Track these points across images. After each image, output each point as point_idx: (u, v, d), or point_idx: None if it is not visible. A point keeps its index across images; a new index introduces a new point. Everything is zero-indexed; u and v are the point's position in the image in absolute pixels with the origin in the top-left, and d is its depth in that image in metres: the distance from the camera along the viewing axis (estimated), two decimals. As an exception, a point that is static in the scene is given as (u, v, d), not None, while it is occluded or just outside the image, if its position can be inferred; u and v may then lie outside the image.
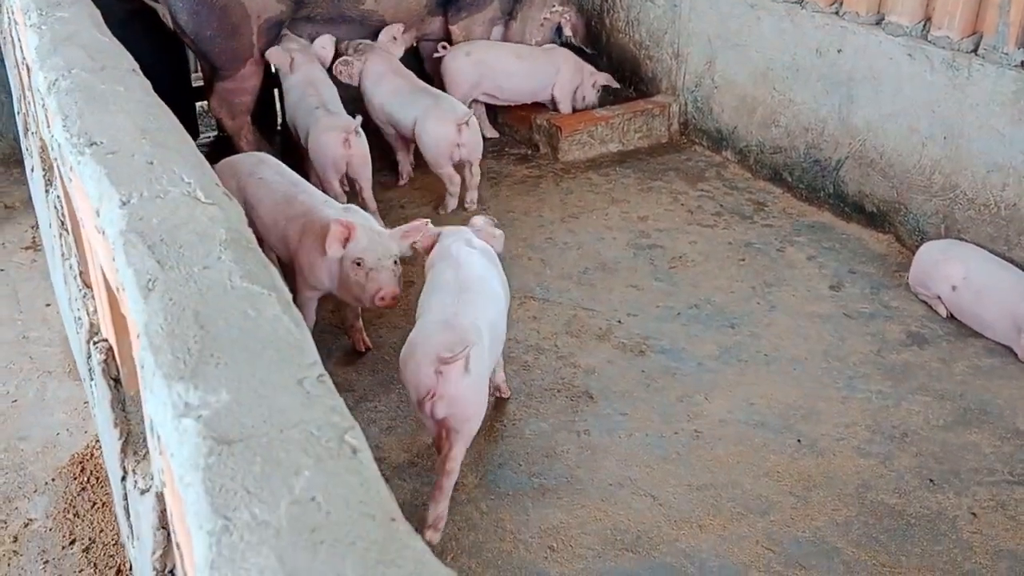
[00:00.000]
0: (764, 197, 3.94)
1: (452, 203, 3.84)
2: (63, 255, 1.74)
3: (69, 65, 1.32)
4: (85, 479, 2.57)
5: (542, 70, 4.40)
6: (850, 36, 3.54)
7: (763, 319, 3.08)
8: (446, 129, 3.72)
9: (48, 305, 3.38)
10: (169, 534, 1.05)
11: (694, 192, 4.01)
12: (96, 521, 2.43)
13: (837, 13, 3.60)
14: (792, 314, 3.11)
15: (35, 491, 2.54)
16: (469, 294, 2.31)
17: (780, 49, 3.85)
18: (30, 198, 4.14)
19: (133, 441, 1.31)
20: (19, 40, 1.91)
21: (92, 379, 1.54)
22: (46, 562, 2.31)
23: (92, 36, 1.48)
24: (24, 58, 1.90)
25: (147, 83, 1.33)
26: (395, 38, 4.22)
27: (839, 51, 3.59)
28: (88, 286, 1.53)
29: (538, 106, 4.50)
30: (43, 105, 1.29)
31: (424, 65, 4.57)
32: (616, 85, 4.52)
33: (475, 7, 4.42)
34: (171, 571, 1.06)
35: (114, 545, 2.36)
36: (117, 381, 1.31)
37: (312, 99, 3.78)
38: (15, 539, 2.38)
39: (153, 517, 1.04)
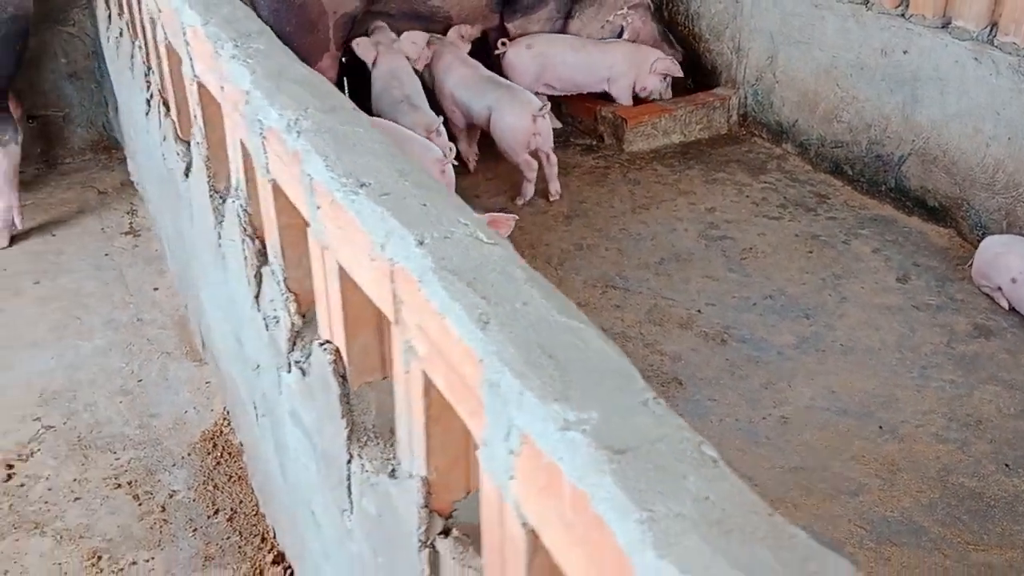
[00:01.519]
0: (826, 190, 4.11)
1: (529, 190, 4.02)
2: (245, 259, 1.93)
3: (301, 104, 1.50)
4: (218, 454, 2.79)
5: (598, 63, 4.55)
6: (916, 38, 3.69)
7: (836, 310, 3.27)
8: (523, 119, 3.90)
9: (156, 289, 3.59)
10: (431, 511, 1.26)
11: (757, 184, 4.18)
12: (235, 493, 2.66)
13: (903, 15, 3.75)
14: (863, 306, 3.29)
15: (173, 465, 2.76)
16: None
17: (844, 48, 4.00)
18: (122, 184, 4.35)
19: (357, 430, 1.52)
20: (190, 49, 2.07)
21: (293, 371, 1.74)
22: (194, 530, 2.54)
23: (300, 72, 1.66)
24: (194, 73, 2.08)
25: (366, 119, 1.51)
26: (463, 36, 4.38)
27: (904, 52, 3.74)
28: (292, 291, 1.73)
29: (603, 96, 4.66)
30: (286, 145, 1.47)
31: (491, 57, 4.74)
32: (680, 74, 4.64)
33: (529, 9, 4.56)
34: (432, 543, 1.27)
35: (255, 515, 2.58)
36: (343, 378, 1.51)
37: (396, 91, 3.96)
38: (163, 508, 2.60)
39: (418, 497, 1.25)
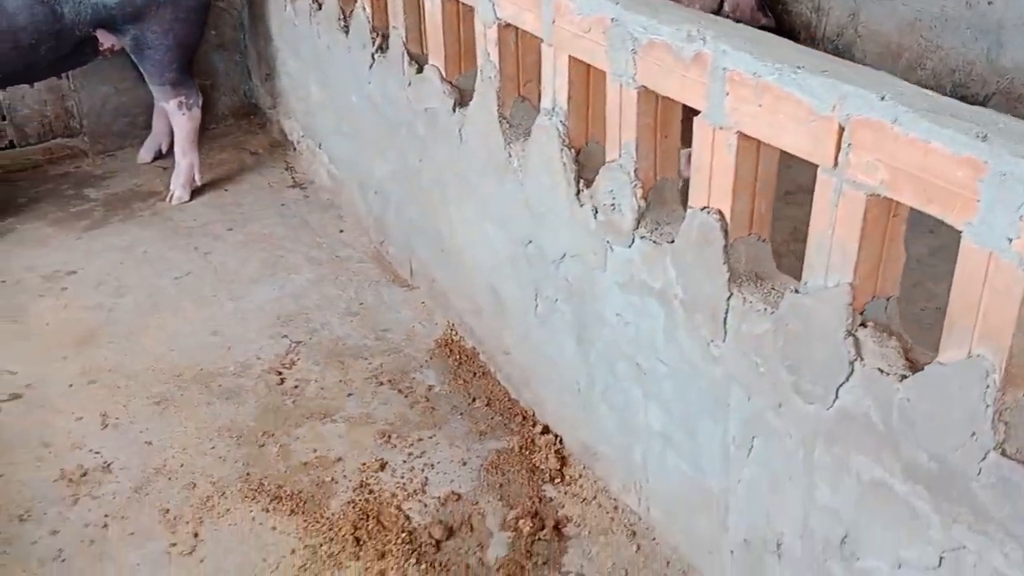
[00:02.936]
0: (912, 131, 4.60)
1: None
2: (564, 165, 2.37)
3: (685, 20, 1.95)
4: (456, 357, 3.23)
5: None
6: (1000, -11, 4.19)
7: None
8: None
9: (341, 231, 4.00)
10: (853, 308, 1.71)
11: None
12: (484, 386, 3.10)
13: (986, -30, 4.25)
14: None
15: (420, 367, 3.19)
16: None
17: (929, 2, 4.49)
18: (271, 145, 4.73)
19: (735, 274, 1.97)
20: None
21: (636, 245, 2.18)
22: (460, 414, 2.97)
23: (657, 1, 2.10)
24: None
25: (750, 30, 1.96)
26: None
27: (989, 3, 4.24)
28: (639, 179, 2.17)
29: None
30: (680, 53, 1.91)
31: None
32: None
33: None
34: (855, 333, 1.72)
35: (509, 401, 3.03)
36: (726, 233, 1.96)
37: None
38: (427, 399, 3.04)
39: (845, 298, 1.70)
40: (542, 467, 2.75)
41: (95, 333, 3.35)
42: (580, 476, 2.72)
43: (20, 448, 2.83)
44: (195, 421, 2.94)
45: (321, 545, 2.50)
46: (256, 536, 2.54)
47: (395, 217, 3.57)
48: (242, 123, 4.93)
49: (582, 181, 2.37)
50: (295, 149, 4.54)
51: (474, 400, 3.04)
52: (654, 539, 2.50)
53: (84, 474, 2.73)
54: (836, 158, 1.65)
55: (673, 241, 2.10)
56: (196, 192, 4.27)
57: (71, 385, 3.09)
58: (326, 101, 3.93)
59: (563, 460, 2.77)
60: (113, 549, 2.50)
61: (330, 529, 2.55)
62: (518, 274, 2.76)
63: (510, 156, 2.62)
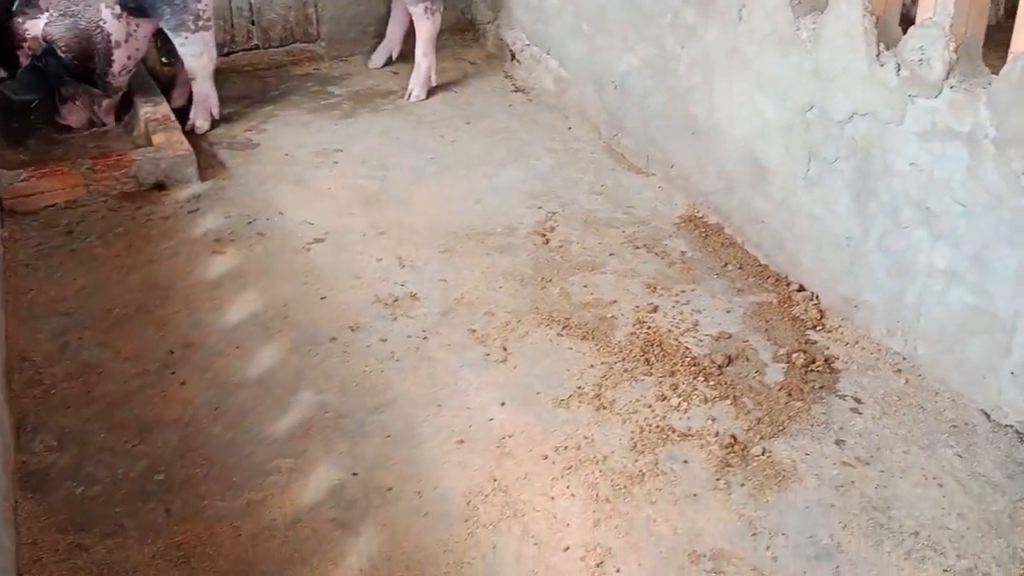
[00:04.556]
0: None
1: None
2: (865, 30, 2.63)
3: None
4: (701, 230, 3.53)
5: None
6: None
7: None
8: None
9: (570, 128, 4.34)
10: None
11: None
12: (733, 254, 3.39)
13: None
14: None
15: (670, 235, 3.51)
16: None
17: None
18: (487, 56, 5.10)
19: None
20: None
21: (943, 95, 2.44)
22: (716, 274, 3.27)
23: None
24: None
25: None
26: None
27: None
28: (952, 34, 2.43)
29: None
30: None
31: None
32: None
33: None
34: None
35: (759, 267, 3.32)
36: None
37: None
38: (683, 261, 3.35)
39: None
40: (802, 317, 3.04)
41: (373, 197, 3.75)
42: (839, 326, 3.00)
43: (334, 277, 3.24)
44: (479, 267, 3.31)
45: (616, 363, 2.84)
46: (556, 352, 2.90)
47: (636, 109, 3.88)
48: (456, 38, 5.30)
49: (881, 44, 2.64)
50: (514, 59, 4.88)
51: (725, 264, 3.34)
52: (920, 374, 2.77)
53: (395, 300, 3.13)
54: None
55: (988, 86, 2.36)
56: (430, 92, 4.65)
57: (364, 235, 3.50)
58: (564, 5, 4.26)
59: (821, 313, 3.06)
60: (436, 354, 2.88)
61: (620, 351, 2.89)
62: (790, 140, 3.04)
63: (798, 29, 2.90)
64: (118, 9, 3.84)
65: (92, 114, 4.09)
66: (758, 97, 3.14)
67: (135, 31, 3.96)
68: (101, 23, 3.83)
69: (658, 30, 3.60)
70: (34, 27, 3.77)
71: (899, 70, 2.58)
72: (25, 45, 3.78)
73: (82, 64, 3.88)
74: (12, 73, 3.84)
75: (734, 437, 2.56)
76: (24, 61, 3.80)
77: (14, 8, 3.77)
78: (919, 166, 2.60)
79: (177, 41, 4.02)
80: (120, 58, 3.95)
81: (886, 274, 2.80)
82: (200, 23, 3.99)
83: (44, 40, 3.77)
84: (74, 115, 4.06)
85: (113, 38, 3.88)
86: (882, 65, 2.63)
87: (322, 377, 2.78)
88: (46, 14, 3.76)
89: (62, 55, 3.80)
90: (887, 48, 2.62)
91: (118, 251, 3.36)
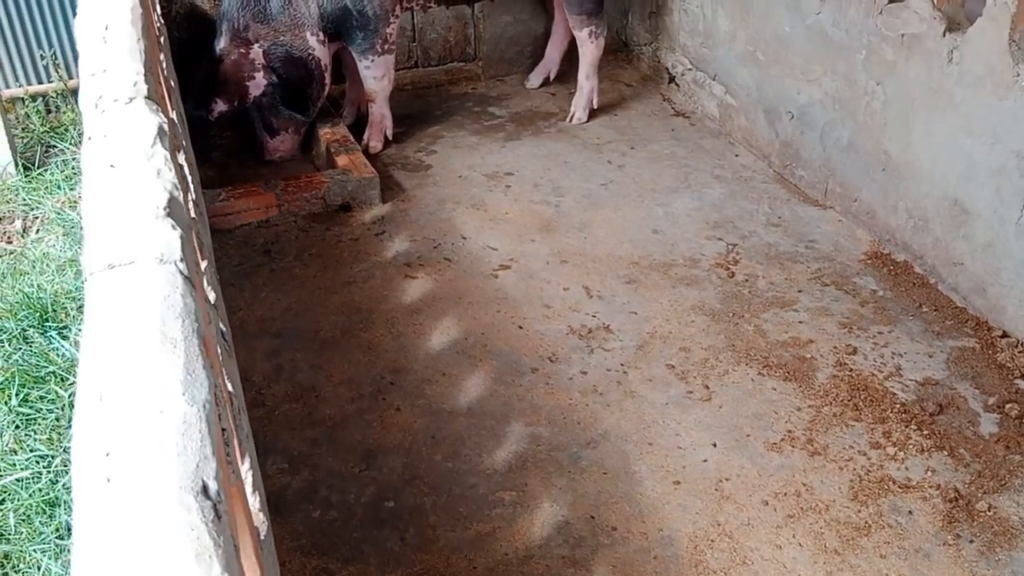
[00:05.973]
0: None
1: None
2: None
3: None
4: (889, 268, 3.47)
5: None
6: None
7: None
8: None
9: (736, 155, 4.32)
10: None
11: None
12: (926, 294, 3.32)
13: None
14: None
15: (857, 273, 3.47)
16: None
17: None
18: (643, 78, 5.10)
19: None
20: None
21: None
22: (911, 315, 3.23)
23: None
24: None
25: None
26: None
27: None
28: None
29: None
30: None
31: None
32: None
33: None
34: None
35: (955, 308, 3.25)
36: None
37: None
38: (874, 300, 3.31)
39: None
40: (1008, 365, 2.98)
41: (551, 222, 3.81)
42: (1049, 376, 2.93)
43: (526, 306, 3.30)
44: (667, 299, 3.33)
45: (823, 407, 2.83)
46: (760, 393, 2.90)
47: (815, 141, 3.84)
48: (610, 58, 5.31)
49: (1121, 93, 2.57)
50: (672, 82, 4.88)
51: (920, 305, 3.29)
52: None
53: (589, 331, 3.17)
54: None
55: None
56: (591, 115, 4.69)
57: (547, 262, 3.55)
58: (736, 31, 4.25)
59: (1029, 361, 2.99)
60: (638, 390, 2.91)
61: (826, 395, 2.87)
62: (1000, 184, 2.98)
63: (1018, 75, 2.84)
64: (321, 35, 3.96)
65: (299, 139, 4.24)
66: (964, 139, 3.09)
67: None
68: (311, 50, 3.95)
69: (849, 64, 3.56)
70: (257, 56, 3.92)
71: None
72: (258, 75, 3.92)
73: (301, 90, 4.02)
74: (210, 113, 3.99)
75: (957, 491, 2.52)
76: (255, 92, 3.94)
77: (220, 48, 3.90)
78: None
79: (363, 64, 4.13)
80: (328, 81, 4.08)
81: (1110, 327, 2.72)
82: (386, 46, 4.10)
83: (269, 65, 3.89)
84: (286, 144, 4.19)
85: (323, 63, 4.01)
86: (1123, 115, 2.56)
87: (530, 408, 2.84)
88: (258, 43, 3.89)
89: (281, 81, 3.93)
90: None
91: (315, 272, 3.48)
